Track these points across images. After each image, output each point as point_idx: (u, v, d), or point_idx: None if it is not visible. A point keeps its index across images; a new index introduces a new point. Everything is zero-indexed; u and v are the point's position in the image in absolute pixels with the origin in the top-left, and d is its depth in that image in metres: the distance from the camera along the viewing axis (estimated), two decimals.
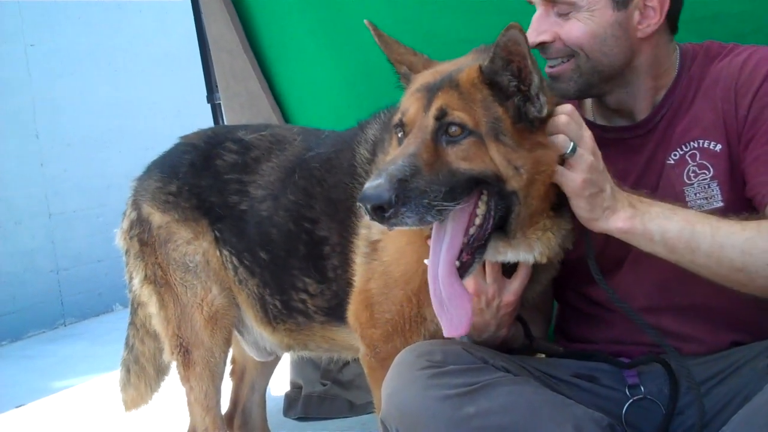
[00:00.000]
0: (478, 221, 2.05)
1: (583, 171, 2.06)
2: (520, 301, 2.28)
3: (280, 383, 4.52)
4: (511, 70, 2.06)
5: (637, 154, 2.39)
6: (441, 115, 2.03)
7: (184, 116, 5.95)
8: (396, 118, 2.14)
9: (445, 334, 2.07)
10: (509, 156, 2.03)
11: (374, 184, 1.91)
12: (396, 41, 2.28)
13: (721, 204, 2.29)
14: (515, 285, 2.23)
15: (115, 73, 8.62)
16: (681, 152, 2.35)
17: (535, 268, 2.28)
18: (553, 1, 2.26)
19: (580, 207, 2.11)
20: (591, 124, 2.30)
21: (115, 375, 3.29)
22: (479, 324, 2.27)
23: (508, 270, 2.24)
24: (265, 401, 3.53)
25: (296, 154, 2.79)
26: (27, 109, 7.78)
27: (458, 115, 2.02)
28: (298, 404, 4.22)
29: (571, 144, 2.06)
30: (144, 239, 2.95)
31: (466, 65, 2.14)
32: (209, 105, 4.73)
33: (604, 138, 2.26)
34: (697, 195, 2.31)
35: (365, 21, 2.22)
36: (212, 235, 2.86)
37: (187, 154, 2.96)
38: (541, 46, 2.30)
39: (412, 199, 1.91)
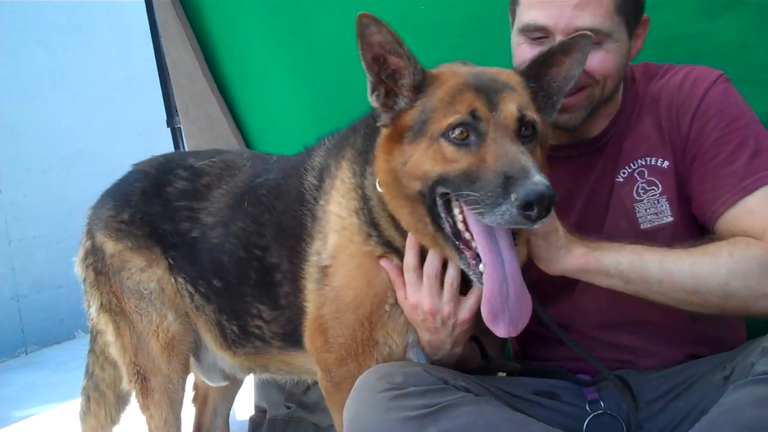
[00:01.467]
0: None
1: None
2: (475, 319, 2.28)
3: (244, 407, 4.48)
4: (538, 76, 2.13)
5: (586, 173, 2.43)
6: (522, 116, 2.04)
7: (146, 140, 5.91)
8: (456, 118, 2.04)
9: (503, 334, 2.05)
10: (541, 154, 2.14)
11: (536, 180, 1.87)
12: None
13: (671, 219, 2.36)
14: (471, 302, 2.24)
15: (76, 97, 8.55)
16: (629, 170, 2.41)
17: None
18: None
19: (539, 246, 2.17)
20: None
21: (78, 403, 3.24)
22: (435, 342, 2.28)
23: (462, 289, 2.26)
24: (228, 426, 3.50)
25: (245, 181, 2.77)
26: None
27: (531, 116, 2.07)
28: (262, 428, 4.18)
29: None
30: (98, 268, 2.92)
31: (486, 69, 2.17)
32: (169, 129, 4.70)
33: (551, 157, 2.31)
34: (647, 211, 2.37)
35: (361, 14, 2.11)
36: (166, 262, 2.83)
37: (139, 182, 2.93)
38: None
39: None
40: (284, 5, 3.72)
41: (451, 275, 2.23)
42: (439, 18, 3.32)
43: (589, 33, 2.10)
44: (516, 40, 2.40)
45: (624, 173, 2.41)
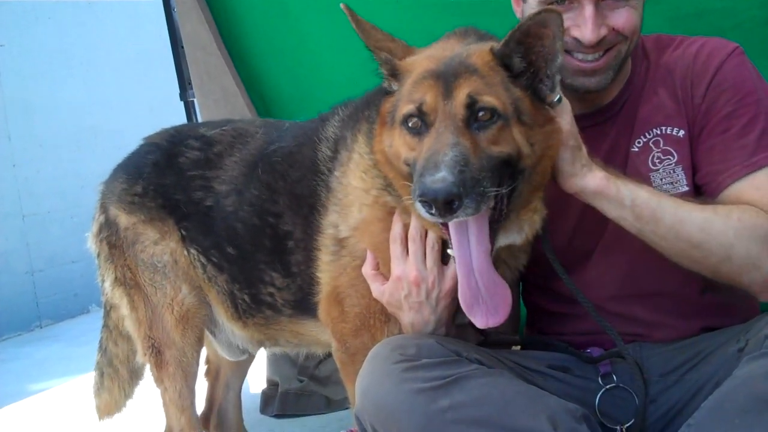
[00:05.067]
0: (491, 203, 2.04)
1: (568, 120, 2.13)
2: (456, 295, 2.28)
3: (256, 381, 4.51)
4: (522, 52, 2.08)
5: (598, 142, 2.42)
6: (471, 103, 2.02)
7: (158, 115, 5.91)
8: (408, 108, 2.08)
9: (481, 324, 2.07)
10: (528, 134, 2.07)
11: (438, 177, 1.87)
12: (374, 27, 2.24)
13: (686, 188, 2.36)
14: (453, 269, 2.22)
15: (88, 72, 8.56)
16: (645, 139, 2.40)
17: (512, 252, 2.30)
18: None
19: (563, 158, 2.14)
20: None
21: (92, 377, 3.26)
22: (418, 323, 2.28)
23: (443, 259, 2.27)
24: (240, 400, 3.52)
25: (258, 148, 2.77)
26: None
27: (488, 100, 2.03)
28: (275, 401, 4.22)
29: (558, 95, 2.12)
30: (112, 242, 2.93)
31: (467, 49, 2.14)
32: (182, 103, 4.70)
33: None
34: (663, 180, 2.37)
35: (342, 5, 2.19)
36: (179, 234, 2.84)
37: (151, 154, 2.94)
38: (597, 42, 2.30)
39: (470, 189, 1.90)
40: None
41: (432, 238, 2.24)
42: None
43: (558, 9, 2.06)
44: (538, 7, 2.36)
45: (639, 142, 2.40)
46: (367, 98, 2.47)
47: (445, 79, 2.06)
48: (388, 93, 2.25)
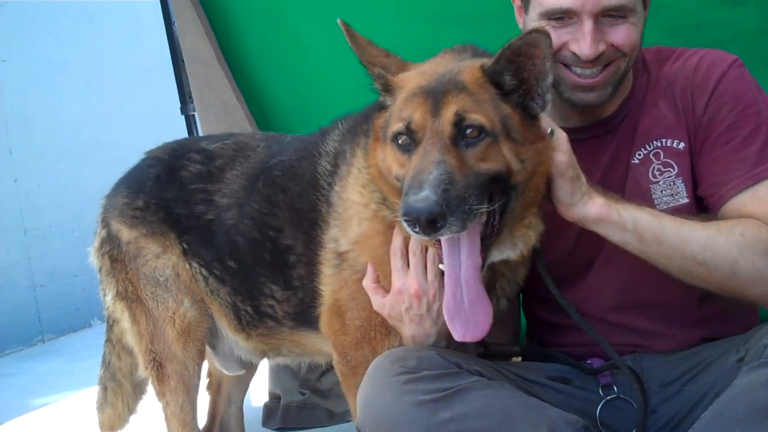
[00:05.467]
0: (483, 219, 2.06)
1: (565, 151, 2.14)
2: None
3: (258, 394, 4.50)
4: (512, 70, 2.09)
5: (598, 155, 2.43)
6: (459, 120, 2.03)
7: (159, 128, 5.91)
8: (397, 126, 2.10)
9: (459, 337, 2.08)
10: (518, 151, 2.08)
11: (421, 197, 1.89)
12: (369, 42, 2.26)
13: (686, 201, 2.37)
14: None
15: (88, 86, 8.57)
16: (645, 151, 2.41)
17: (510, 266, 2.31)
18: (615, 9, 2.28)
19: (562, 189, 2.16)
20: None
21: (95, 391, 3.27)
22: (419, 335, 2.29)
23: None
24: (242, 413, 3.52)
25: (259, 161, 2.78)
26: None
27: (475, 117, 2.04)
28: (277, 414, 4.21)
29: (550, 128, 2.13)
30: (114, 256, 2.93)
31: (459, 66, 2.15)
32: (183, 116, 4.71)
33: None
34: (663, 192, 2.38)
35: (338, 21, 2.22)
36: (180, 248, 2.85)
37: (152, 168, 2.94)
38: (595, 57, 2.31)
39: (455, 207, 1.92)
40: None
41: (432, 252, 2.24)
42: (441, 6, 3.32)
43: (547, 30, 2.08)
44: (536, 24, 2.37)
45: (639, 155, 2.41)
46: (366, 112, 2.48)
47: (434, 96, 2.07)
48: (383, 108, 2.26)
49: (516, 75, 2.10)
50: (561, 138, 2.15)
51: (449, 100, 2.05)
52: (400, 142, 2.10)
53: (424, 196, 1.89)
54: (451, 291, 2.08)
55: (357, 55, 2.24)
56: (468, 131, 2.03)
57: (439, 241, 2.10)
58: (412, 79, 2.17)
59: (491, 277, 2.31)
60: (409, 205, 1.89)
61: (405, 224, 1.93)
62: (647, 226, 2.18)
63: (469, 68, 2.13)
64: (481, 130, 2.04)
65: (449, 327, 2.10)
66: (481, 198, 2.01)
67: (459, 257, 2.07)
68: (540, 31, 2.03)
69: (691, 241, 2.18)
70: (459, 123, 2.03)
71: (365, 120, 2.46)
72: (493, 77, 2.10)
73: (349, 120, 2.58)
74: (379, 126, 2.23)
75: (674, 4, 2.49)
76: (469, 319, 2.07)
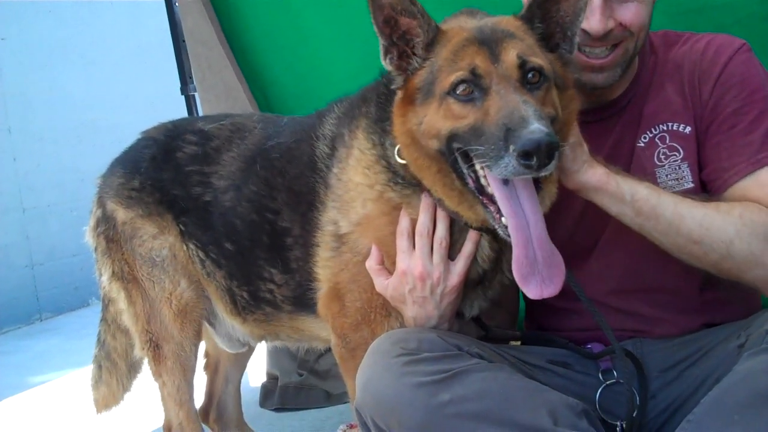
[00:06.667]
0: None
1: None
2: (461, 292, 2.29)
3: (256, 374, 4.52)
4: (543, 16, 2.12)
5: (604, 138, 2.42)
6: (522, 63, 2.02)
7: (158, 109, 5.89)
8: (457, 75, 2.03)
9: (534, 295, 2.04)
10: (560, 96, 2.09)
11: (533, 128, 1.85)
12: None
13: (691, 185, 2.36)
14: (459, 267, 2.24)
15: (87, 66, 8.54)
16: (650, 135, 2.41)
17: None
18: None
19: (564, 155, 2.14)
20: None
21: (91, 370, 3.27)
22: (420, 317, 2.28)
23: (450, 254, 2.27)
24: (239, 393, 3.52)
25: (256, 143, 2.75)
26: None
27: (535, 60, 2.04)
28: (274, 395, 4.22)
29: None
30: (110, 236, 2.91)
31: (491, 19, 2.16)
32: (183, 97, 4.70)
33: None
34: (668, 176, 2.38)
35: None
36: (177, 229, 2.83)
37: (148, 149, 2.92)
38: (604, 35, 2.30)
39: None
40: None
41: (440, 235, 2.24)
42: None
43: None
44: None
45: (645, 138, 2.41)
46: (363, 94, 2.46)
47: (489, 43, 2.05)
48: (387, 87, 2.23)
49: (547, 20, 2.12)
50: None
51: (507, 45, 2.04)
52: (458, 92, 2.04)
53: (537, 128, 1.85)
54: (522, 252, 2.02)
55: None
56: (530, 75, 2.03)
57: (489, 199, 2.06)
58: (454, 32, 2.14)
59: (499, 249, 2.30)
60: (525, 138, 1.84)
61: (520, 163, 1.86)
62: (645, 199, 2.18)
63: (505, 19, 2.14)
64: (540, 73, 2.04)
65: (523, 288, 2.05)
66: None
67: (524, 215, 2.03)
68: None
69: (687, 217, 2.17)
70: (522, 66, 2.02)
71: (363, 102, 2.44)
72: (529, 25, 2.12)
73: (344, 102, 2.55)
74: (415, 87, 2.15)
75: None
76: (544, 276, 2.03)
